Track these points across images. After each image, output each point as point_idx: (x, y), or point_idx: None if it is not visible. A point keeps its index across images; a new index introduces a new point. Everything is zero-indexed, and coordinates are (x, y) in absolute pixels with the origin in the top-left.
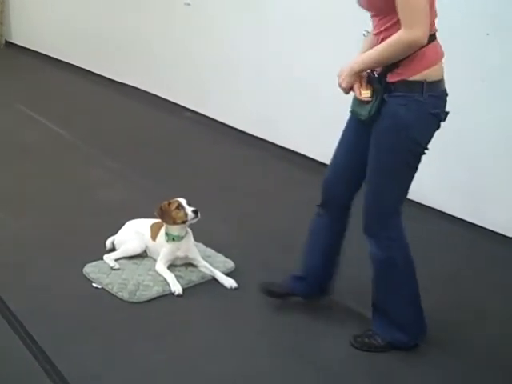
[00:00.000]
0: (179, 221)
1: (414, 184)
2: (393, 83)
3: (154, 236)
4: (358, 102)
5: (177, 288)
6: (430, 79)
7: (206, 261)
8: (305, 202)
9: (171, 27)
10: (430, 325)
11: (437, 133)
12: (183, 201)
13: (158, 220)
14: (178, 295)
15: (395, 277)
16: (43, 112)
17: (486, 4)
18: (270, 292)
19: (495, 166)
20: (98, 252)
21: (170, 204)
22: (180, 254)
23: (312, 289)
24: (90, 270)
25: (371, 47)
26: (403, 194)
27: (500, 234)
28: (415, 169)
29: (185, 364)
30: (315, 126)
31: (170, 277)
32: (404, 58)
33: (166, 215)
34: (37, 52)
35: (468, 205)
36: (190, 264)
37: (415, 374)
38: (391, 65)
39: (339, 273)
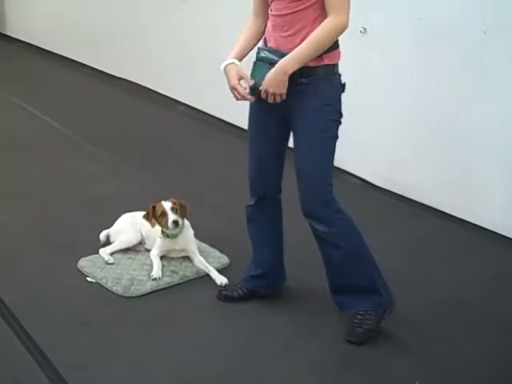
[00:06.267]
0: (164, 228)
1: (411, 182)
2: (309, 67)
3: (153, 224)
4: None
5: (156, 273)
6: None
7: (201, 256)
8: (298, 197)
9: (167, 21)
10: (428, 323)
11: (434, 131)
12: (168, 206)
13: None
14: (154, 279)
15: (346, 250)
16: (37, 105)
17: (482, 1)
18: (226, 297)
19: (491, 163)
20: (93, 246)
21: (154, 209)
22: (177, 247)
23: (268, 283)
24: (84, 264)
25: (253, 36)
26: (332, 167)
27: (496, 233)
28: (337, 138)
29: (176, 359)
30: None
31: (156, 263)
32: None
33: (151, 220)
34: (31, 44)
35: (461, 203)
36: (185, 259)
37: (409, 369)
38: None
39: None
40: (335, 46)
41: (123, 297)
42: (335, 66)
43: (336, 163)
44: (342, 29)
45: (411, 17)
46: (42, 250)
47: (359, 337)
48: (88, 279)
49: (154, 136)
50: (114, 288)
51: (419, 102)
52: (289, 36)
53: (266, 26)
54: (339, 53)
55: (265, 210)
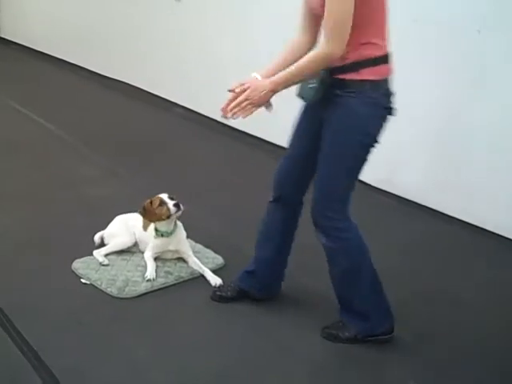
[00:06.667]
0: (164, 217)
1: (409, 183)
2: (344, 80)
3: (145, 226)
4: (304, 85)
5: (150, 274)
6: (380, 78)
7: (196, 257)
8: None
9: (162, 23)
10: (426, 323)
11: (430, 131)
12: (164, 196)
13: None
14: (148, 280)
15: (349, 267)
16: (32, 107)
17: (476, 1)
18: (220, 297)
19: (490, 163)
20: (87, 248)
21: (152, 202)
22: (171, 247)
23: (261, 285)
24: (78, 265)
25: (292, 52)
26: (351, 186)
27: (496, 234)
28: (364, 161)
29: (172, 359)
30: None
31: (150, 264)
32: (365, 65)
33: (149, 214)
34: (26, 47)
35: (460, 203)
36: (179, 260)
37: (404, 366)
38: (352, 64)
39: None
40: (378, 60)
41: (118, 298)
42: (375, 82)
43: None
44: (328, 57)
45: (408, 18)
46: (36, 251)
47: (329, 337)
48: (82, 281)
49: (150, 138)
50: (109, 289)
51: (418, 102)
52: None
53: (312, 43)
54: (385, 69)
55: (278, 211)
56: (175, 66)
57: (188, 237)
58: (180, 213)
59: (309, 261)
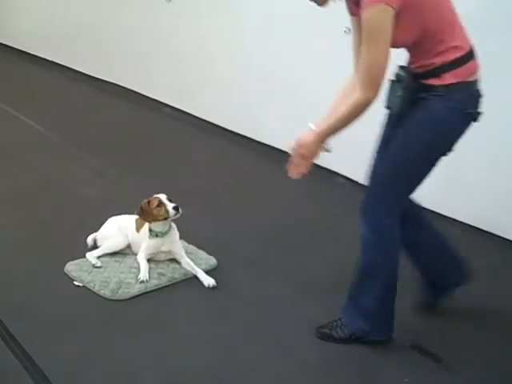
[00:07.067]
0: (161, 218)
1: None
2: (429, 84)
3: (138, 228)
4: (390, 97)
5: (143, 275)
6: (466, 80)
7: (189, 257)
8: (285, 196)
9: (151, 23)
10: (424, 323)
11: None
12: (163, 197)
13: None
14: (141, 281)
15: (376, 264)
16: (22, 109)
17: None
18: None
19: (489, 164)
20: (80, 250)
21: (149, 202)
22: (164, 248)
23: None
24: (71, 268)
25: (345, 95)
26: (410, 188)
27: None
28: (431, 166)
29: (166, 360)
30: (292, 120)
31: (143, 265)
32: (447, 69)
33: (146, 214)
34: (14, 48)
35: (459, 204)
36: (172, 261)
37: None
38: (434, 70)
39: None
40: (458, 62)
41: (111, 300)
42: (460, 84)
43: (324, 163)
44: (365, 103)
45: None
46: (28, 254)
47: (323, 337)
48: (75, 283)
49: (140, 138)
50: (102, 291)
51: None
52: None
53: None
54: (468, 68)
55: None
56: (165, 67)
57: (181, 238)
58: (178, 216)
59: (308, 260)
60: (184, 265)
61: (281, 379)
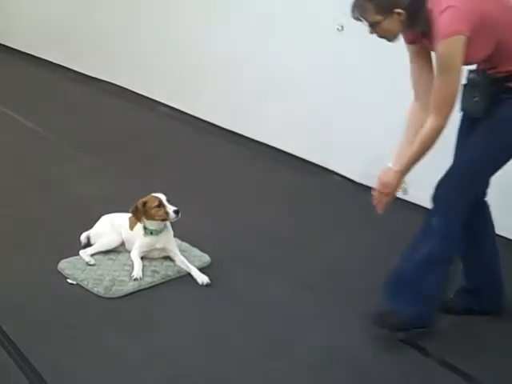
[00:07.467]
0: (158, 218)
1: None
2: (510, 86)
3: (132, 226)
4: (466, 100)
5: (136, 273)
6: None
7: (182, 255)
8: (281, 195)
9: (148, 24)
10: None
11: None
12: (163, 197)
13: None
14: (135, 279)
15: (444, 250)
16: (18, 109)
17: None
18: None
19: None
20: (73, 248)
21: (146, 202)
22: (158, 245)
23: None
24: (64, 265)
25: (415, 128)
26: (483, 181)
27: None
28: (503, 165)
29: (160, 358)
30: (291, 120)
31: (137, 263)
32: None
33: (140, 213)
34: (7, 46)
35: None
36: (166, 259)
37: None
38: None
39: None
40: None
41: (105, 298)
42: None
43: (321, 162)
44: (439, 130)
45: None
46: (22, 252)
47: (378, 322)
48: (69, 281)
49: (136, 137)
50: (95, 289)
51: (401, 99)
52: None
53: (428, 105)
54: None
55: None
56: (159, 65)
57: (174, 235)
58: (176, 219)
59: (306, 259)
60: (178, 262)
61: (276, 378)
